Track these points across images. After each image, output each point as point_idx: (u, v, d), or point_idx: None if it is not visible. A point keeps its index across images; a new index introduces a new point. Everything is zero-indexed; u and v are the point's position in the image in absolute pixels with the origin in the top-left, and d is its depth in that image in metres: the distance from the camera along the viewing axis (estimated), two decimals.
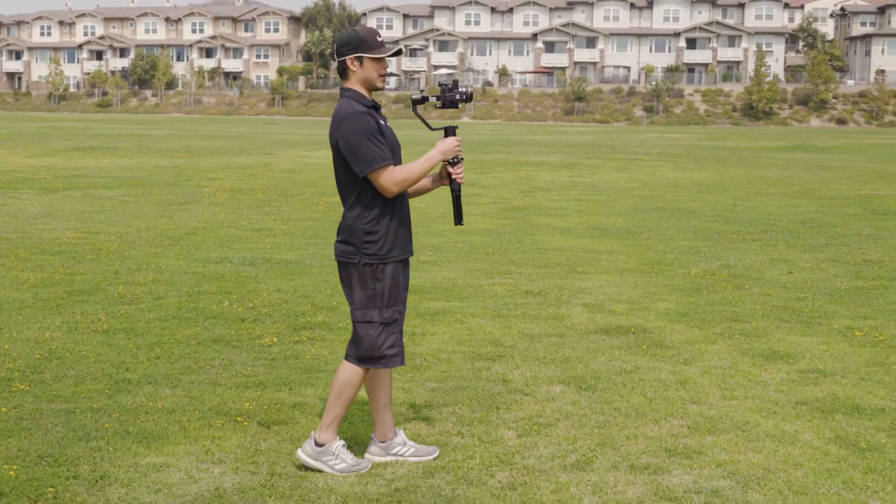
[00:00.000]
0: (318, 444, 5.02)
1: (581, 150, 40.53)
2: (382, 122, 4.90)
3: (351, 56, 4.85)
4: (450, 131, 5.03)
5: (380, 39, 4.86)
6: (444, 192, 20.86)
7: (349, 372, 5.01)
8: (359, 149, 4.76)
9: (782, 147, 45.77)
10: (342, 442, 5.07)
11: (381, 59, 4.86)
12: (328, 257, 11.83)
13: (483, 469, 5.06)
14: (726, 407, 6.15)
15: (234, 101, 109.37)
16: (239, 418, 5.77)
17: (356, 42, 4.84)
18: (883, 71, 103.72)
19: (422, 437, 5.51)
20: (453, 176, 5.04)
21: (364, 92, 4.91)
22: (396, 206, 4.92)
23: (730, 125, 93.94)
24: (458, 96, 5.03)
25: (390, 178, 4.80)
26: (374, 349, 4.94)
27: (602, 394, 6.40)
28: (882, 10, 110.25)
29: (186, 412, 5.88)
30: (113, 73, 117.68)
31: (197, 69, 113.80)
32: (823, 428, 5.76)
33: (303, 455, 5.03)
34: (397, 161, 4.93)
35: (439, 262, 11.62)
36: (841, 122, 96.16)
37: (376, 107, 4.92)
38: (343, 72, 4.90)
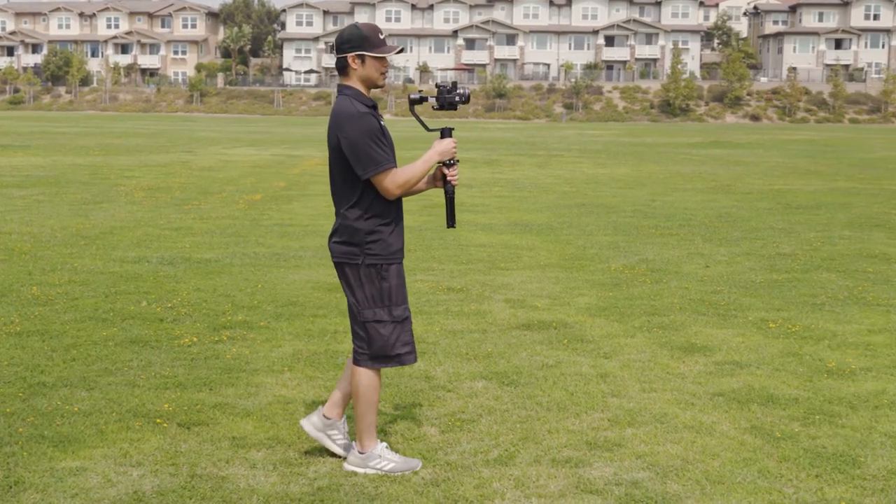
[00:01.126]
0: (361, 452, 5.01)
1: (502, 147, 40.75)
2: (381, 121, 4.85)
3: (353, 53, 4.79)
4: (446, 132, 5.02)
5: (382, 37, 4.82)
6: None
7: (365, 377, 4.96)
8: (364, 151, 4.71)
9: (699, 143, 46.56)
10: (384, 444, 5.05)
11: (383, 58, 4.82)
12: (248, 256, 11.72)
13: None
14: (645, 399, 6.24)
15: (152, 97, 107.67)
16: (158, 420, 5.69)
17: (359, 39, 4.78)
18: (795, 68, 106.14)
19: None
20: (448, 178, 5.03)
21: (363, 90, 4.86)
22: (394, 206, 4.91)
23: (648, 122, 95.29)
24: (456, 98, 5.03)
25: (394, 181, 4.77)
26: (387, 348, 4.91)
27: (524, 389, 6.44)
28: (793, 9, 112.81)
29: (104, 415, 5.78)
30: (25, 69, 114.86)
31: (112, 65, 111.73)
32: (739, 418, 5.88)
33: (350, 466, 5.02)
34: (393, 159, 4.91)
35: None
36: (755, 118, 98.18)
37: (374, 106, 4.88)
38: (343, 69, 4.86)
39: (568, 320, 8.52)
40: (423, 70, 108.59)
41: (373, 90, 4.79)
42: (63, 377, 6.54)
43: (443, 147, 4.92)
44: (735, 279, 10.58)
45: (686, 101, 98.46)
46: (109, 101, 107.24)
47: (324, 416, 5.21)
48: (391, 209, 4.88)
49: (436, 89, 5.07)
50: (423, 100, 5.00)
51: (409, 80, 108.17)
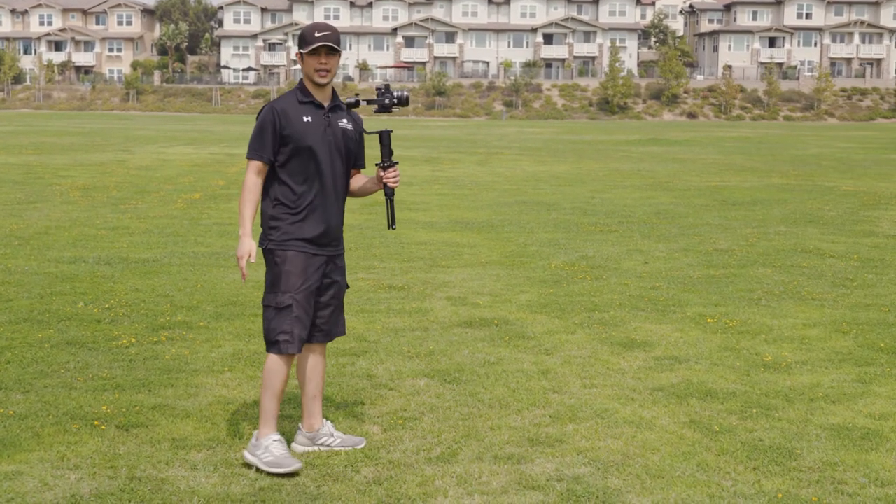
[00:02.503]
0: (257, 439, 5.07)
1: (442, 145, 40.79)
2: (307, 118, 5.00)
3: (297, 52, 5.06)
4: (384, 136, 5.16)
5: (317, 35, 4.97)
6: None
7: (268, 361, 5.09)
8: (252, 135, 5.05)
9: (637, 140, 47.03)
10: (277, 437, 5.04)
11: (314, 55, 4.97)
12: (187, 255, 11.60)
13: (348, 465, 5.05)
14: (586, 395, 6.29)
15: (87, 95, 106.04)
16: (96, 422, 5.61)
17: (299, 39, 5.06)
18: (730, 66, 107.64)
19: (286, 435, 5.46)
20: (385, 180, 5.18)
21: (310, 86, 5.08)
22: (307, 196, 5.02)
23: (587, 119, 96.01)
24: (386, 101, 5.19)
25: (246, 179, 5.08)
26: (268, 333, 5.04)
27: (466, 386, 6.46)
28: (728, 8, 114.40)
29: (40, 418, 5.68)
30: None
31: (46, 63, 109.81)
32: (678, 413, 5.95)
33: (245, 452, 5.08)
34: (324, 159, 5.02)
35: None
36: (692, 115, 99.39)
37: (314, 104, 5.04)
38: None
39: (509, 317, 8.55)
40: (363, 68, 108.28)
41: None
42: None
43: (238, 251, 5.03)
44: (673, 275, 10.70)
45: (624, 99, 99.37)
46: (43, 100, 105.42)
47: (305, 431, 5.28)
48: (301, 199, 5.02)
49: (376, 92, 5.20)
50: (357, 103, 5.16)
51: (349, 78, 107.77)
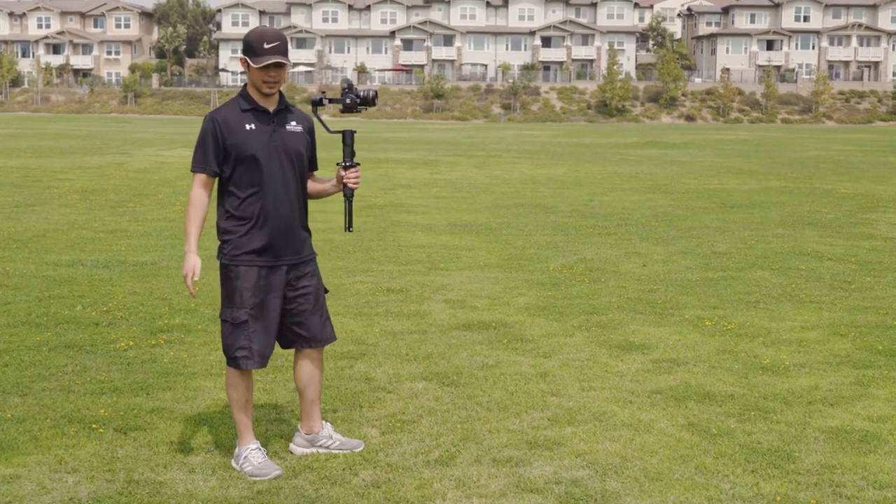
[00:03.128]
0: (238, 449, 5.08)
1: (440, 148, 40.80)
2: (250, 126, 4.88)
3: (242, 58, 4.92)
4: (347, 136, 5.09)
5: (267, 47, 4.81)
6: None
7: (227, 375, 5.08)
8: (195, 148, 4.94)
9: (635, 143, 47.05)
10: (254, 445, 5.04)
11: (262, 67, 4.83)
12: None
13: (347, 468, 5.05)
14: (585, 398, 6.29)
15: (85, 98, 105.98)
16: (94, 425, 5.61)
17: (246, 45, 4.88)
18: (728, 69, 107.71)
19: (284, 438, 5.46)
20: (344, 180, 5.11)
21: (254, 92, 4.95)
22: (257, 207, 4.91)
23: (585, 122, 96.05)
24: (348, 100, 5.10)
25: (191, 193, 4.96)
26: (226, 349, 5.00)
27: (464, 389, 6.46)
28: (726, 11, 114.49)
29: (38, 421, 5.68)
30: None
31: (44, 66, 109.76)
32: (677, 415, 5.95)
33: (232, 461, 5.08)
34: (272, 167, 4.91)
35: None
36: (690, 118, 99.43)
37: (258, 110, 4.93)
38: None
39: (507, 320, 8.55)
40: (361, 71, 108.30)
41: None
42: None
43: (183, 268, 4.96)
44: (671, 278, 10.71)
45: (622, 102, 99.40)
46: (41, 102, 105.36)
47: (304, 433, 5.29)
48: (250, 210, 4.91)
49: (341, 91, 5.16)
50: (321, 102, 5.08)
51: (347, 81, 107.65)
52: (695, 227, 15.23)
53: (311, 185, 5.23)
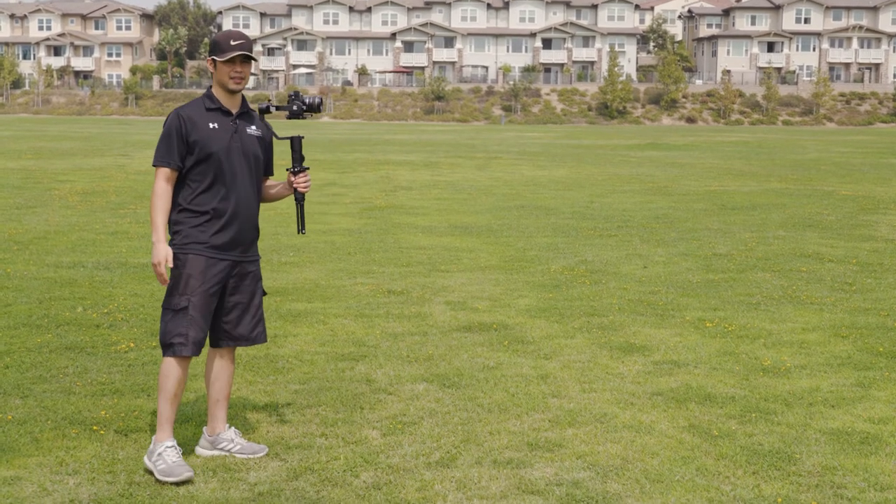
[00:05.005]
0: (154, 444, 5.05)
1: (441, 149, 40.80)
2: (213, 125, 5.02)
3: (209, 58, 5.09)
4: (295, 142, 5.22)
5: (233, 43, 5.03)
6: (307, 192, 20.73)
7: (163, 364, 5.09)
8: (158, 143, 5.05)
9: (636, 145, 47.05)
10: (171, 443, 5.00)
11: (229, 63, 5.03)
12: None
13: (348, 470, 5.05)
14: (585, 400, 6.29)
15: (86, 100, 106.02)
16: (95, 427, 5.61)
17: (212, 45, 5.09)
18: (729, 71, 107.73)
19: (285, 440, 5.47)
20: (294, 185, 5.26)
21: (220, 93, 5.12)
22: (211, 203, 5.02)
23: (586, 124, 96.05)
24: (294, 107, 5.23)
25: (155, 182, 5.04)
26: (163, 335, 5.03)
27: (465, 390, 6.46)
28: (727, 13, 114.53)
29: (39, 423, 5.68)
30: None
31: (45, 68, 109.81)
32: (677, 417, 5.95)
33: (145, 457, 5.06)
34: (230, 166, 5.04)
35: (301, 263, 11.53)
36: (690, 120, 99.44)
37: (222, 110, 5.07)
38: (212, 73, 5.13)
39: (508, 322, 8.55)
40: (362, 72, 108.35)
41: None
42: None
43: (153, 257, 4.98)
44: (672, 279, 10.70)
45: (623, 104, 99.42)
46: (42, 104, 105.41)
47: (207, 434, 5.30)
48: (205, 205, 5.02)
49: (287, 98, 5.25)
50: (268, 109, 5.23)
51: (348, 83, 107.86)
52: (696, 228, 15.23)
53: (264, 189, 5.38)
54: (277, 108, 5.24)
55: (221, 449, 5.25)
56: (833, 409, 6.13)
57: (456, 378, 6.73)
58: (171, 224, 5.06)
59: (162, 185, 5.01)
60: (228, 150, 5.05)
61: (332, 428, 5.68)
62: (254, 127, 5.19)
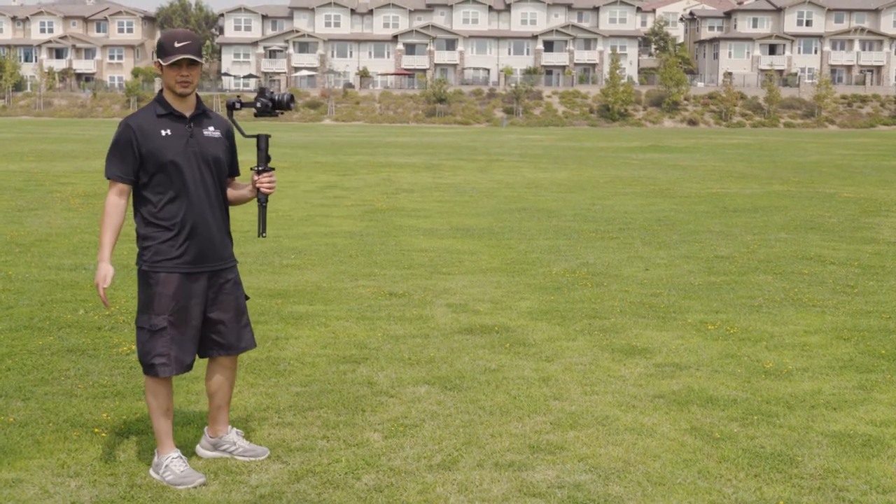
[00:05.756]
0: (157, 457, 5.03)
1: (443, 152, 40.81)
2: (166, 132, 4.81)
3: (156, 61, 4.86)
4: (261, 140, 5.01)
5: (178, 45, 4.76)
6: (309, 195, 20.76)
7: (146, 383, 4.99)
8: (108, 155, 4.91)
9: (637, 147, 47.04)
10: (175, 454, 4.99)
11: (175, 66, 4.78)
12: None
13: (349, 472, 5.05)
14: (587, 402, 6.28)
15: (87, 102, 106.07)
16: (96, 429, 5.61)
17: (158, 47, 4.85)
18: (730, 73, 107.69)
19: (287, 442, 5.46)
20: (258, 185, 5.03)
21: (170, 98, 4.88)
22: (181, 216, 4.84)
23: (587, 126, 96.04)
24: (259, 104, 5.02)
25: (107, 200, 4.91)
26: (142, 355, 4.91)
27: (467, 393, 6.45)
28: (728, 15, 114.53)
29: (40, 425, 5.68)
30: None
31: (47, 70, 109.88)
32: (679, 420, 5.95)
33: (150, 471, 5.03)
34: (190, 173, 4.83)
35: (302, 266, 11.53)
36: (692, 122, 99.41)
37: (174, 115, 4.85)
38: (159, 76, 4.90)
39: (510, 324, 8.54)
40: (364, 75, 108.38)
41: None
42: None
43: (96, 279, 4.86)
44: (674, 282, 10.70)
45: (625, 106, 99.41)
46: (44, 107, 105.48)
47: (209, 436, 5.28)
48: (171, 217, 4.84)
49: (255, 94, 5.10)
50: (236, 105, 5.04)
51: (350, 85, 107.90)
52: (697, 231, 15.22)
53: (231, 191, 5.14)
54: (243, 105, 5.04)
55: (223, 451, 5.23)
56: (835, 412, 6.12)
57: (457, 380, 6.73)
58: (141, 239, 4.88)
59: (114, 199, 4.84)
60: (186, 156, 4.82)
61: (333, 430, 5.68)
62: (212, 128, 4.96)
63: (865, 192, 22.68)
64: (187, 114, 4.89)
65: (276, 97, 5.03)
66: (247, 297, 5.21)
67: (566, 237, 14.36)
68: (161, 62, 4.78)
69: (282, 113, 5.18)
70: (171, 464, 4.93)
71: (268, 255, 12.18)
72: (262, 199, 5.08)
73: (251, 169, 5.04)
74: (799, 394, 6.50)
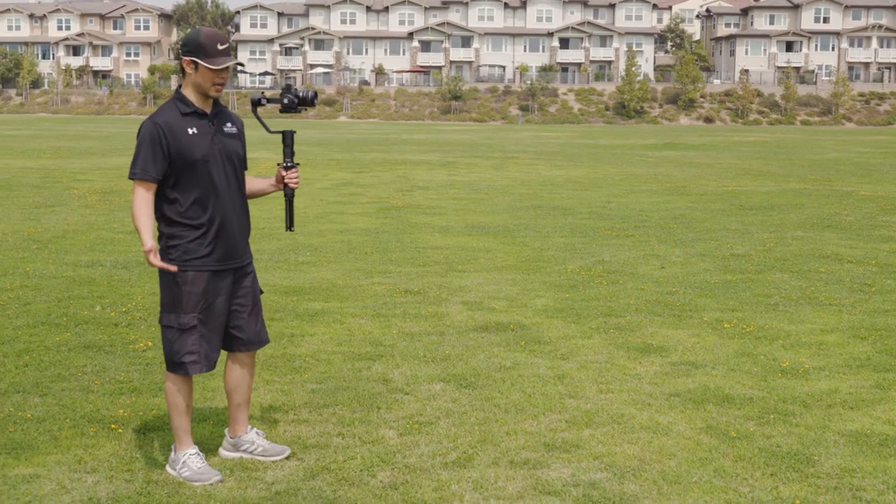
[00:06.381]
0: (175, 453, 5.04)
1: (458, 149, 40.80)
2: (192, 130, 4.79)
3: (187, 58, 4.79)
4: (287, 136, 5.08)
5: (221, 48, 4.77)
6: (324, 192, 20.78)
7: (168, 381, 5.00)
8: (136, 153, 4.78)
9: (653, 145, 46.93)
10: (193, 450, 5.00)
11: (216, 69, 4.77)
12: None
13: (364, 469, 5.05)
14: (602, 400, 6.27)
15: (104, 100, 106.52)
16: (113, 425, 5.63)
17: (195, 45, 4.77)
18: (747, 70, 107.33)
19: (302, 439, 5.48)
20: (286, 180, 5.08)
21: (193, 96, 4.85)
22: (206, 213, 4.84)
23: (603, 124, 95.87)
24: (286, 100, 5.07)
25: (136, 193, 4.79)
26: (171, 354, 4.90)
27: (482, 391, 6.45)
28: (745, 12, 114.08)
29: (57, 421, 5.71)
30: None
31: (64, 67, 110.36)
32: (695, 418, 5.93)
33: (167, 467, 5.04)
34: (217, 171, 4.83)
35: (318, 263, 11.55)
36: (708, 120, 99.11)
37: (198, 113, 4.84)
38: (182, 72, 4.87)
39: (525, 322, 8.54)
40: (379, 72, 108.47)
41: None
42: (15, 383, 6.45)
43: (145, 250, 4.75)
44: (690, 280, 10.67)
45: (640, 104, 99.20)
46: (61, 104, 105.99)
47: (229, 437, 5.29)
48: (199, 216, 4.82)
49: (280, 92, 5.11)
50: (261, 101, 5.08)
51: (365, 83, 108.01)
52: (713, 229, 15.18)
53: (249, 186, 5.17)
54: (269, 101, 5.09)
55: (244, 451, 5.23)
56: (852, 411, 6.10)
57: (472, 378, 6.73)
58: (165, 238, 4.85)
59: (143, 196, 4.76)
60: (212, 154, 4.82)
61: (348, 427, 5.69)
62: (230, 124, 4.97)
63: (883, 190, 22.56)
64: (208, 111, 4.89)
65: (302, 94, 5.07)
66: (261, 292, 5.24)
67: (581, 235, 14.34)
68: (199, 61, 4.74)
69: (305, 109, 5.21)
70: (189, 460, 4.95)
71: (283, 253, 12.20)
72: (290, 194, 5.12)
73: (278, 165, 5.08)
74: (815, 393, 6.48)
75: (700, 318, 8.74)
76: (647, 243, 13.51)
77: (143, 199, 4.77)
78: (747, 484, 4.92)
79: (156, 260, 4.74)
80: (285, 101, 5.06)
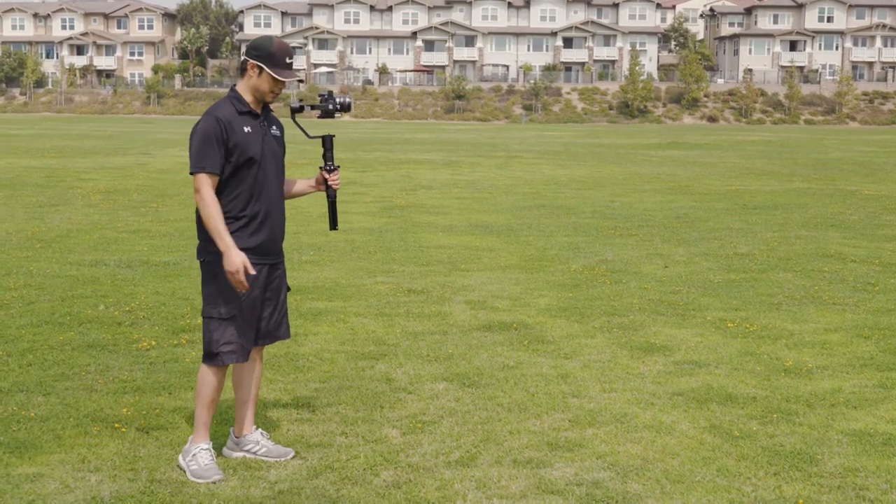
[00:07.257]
0: (189, 444, 5.08)
1: (462, 149, 40.80)
2: (247, 129, 4.94)
3: (254, 62, 4.94)
4: (327, 140, 5.27)
5: (288, 61, 4.97)
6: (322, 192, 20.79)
7: (201, 373, 5.08)
8: (194, 146, 4.88)
9: (657, 144, 46.90)
10: (206, 445, 5.03)
11: (279, 80, 4.93)
12: None
13: (367, 468, 5.06)
14: (606, 400, 6.27)
15: (108, 99, 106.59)
16: (116, 424, 5.64)
17: (265, 53, 4.94)
18: (751, 70, 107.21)
19: (305, 438, 5.48)
20: (329, 182, 5.25)
21: (249, 97, 5.01)
22: (248, 205, 4.96)
23: (606, 123, 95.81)
24: (329, 106, 5.24)
25: (198, 187, 4.85)
26: (210, 345, 4.99)
27: (485, 390, 6.45)
28: (749, 11, 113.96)
29: (61, 420, 5.72)
30: None
31: (68, 67, 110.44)
32: (698, 417, 5.93)
33: (180, 455, 5.09)
34: (264, 168, 4.98)
35: (321, 262, 11.55)
36: (712, 119, 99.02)
37: (252, 113, 5.00)
38: (242, 71, 5.03)
39: (528, 321, 8.54)
40: (383, 71, 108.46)
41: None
42: (19, 382, 6.46)
43: (230, 266, 4.78)
44: (693, 279, 10.66)
45: (644, 103, 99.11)
46: (65, 103, 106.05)
47: (234, 436, 5.31)
48: (244, 210, 4.95)
49: (318, 98, 5.26)
50: (302, 108, 5.21)
51: (369, 82, 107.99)
52: (717, 228, 15.17)
53: (288, 188, 5.36)
54: (312, 108, 5.23)
55: (247, 451, 5.24)
56: (855, 411, 6.09)
57: (476, 377, 6.73)
58: (205, 231, 4.93)
59: (209, 191, 4.83)
60: (262, 152, 4.98)
61: (352, 426, 5.69)
62: (274, 127, 5.16)
63: (887, 190, 22.53)
64: (259, 113, 5.06)
65: (340, 100, 5.26)
66: (288, 289, 5.32)
67: (585, 234, 14.34)
68: (265, 68, 4.90)
69: (341, 116, 5.47)
70: (199, 454, 4.98)
71: (287, 252, 12.20)
72: (332, 195, 5.30)
73: (320, 168, 5.24)
74: (819, 392, 6.47)
75: (703, 318, 8.74)
76: (651, 242, 13.50)
77: (212, 198, 4.85)
78: (750, 483, 4.91)
79: (240, 276, 4.79)
80: (329, 107, 5.24)
